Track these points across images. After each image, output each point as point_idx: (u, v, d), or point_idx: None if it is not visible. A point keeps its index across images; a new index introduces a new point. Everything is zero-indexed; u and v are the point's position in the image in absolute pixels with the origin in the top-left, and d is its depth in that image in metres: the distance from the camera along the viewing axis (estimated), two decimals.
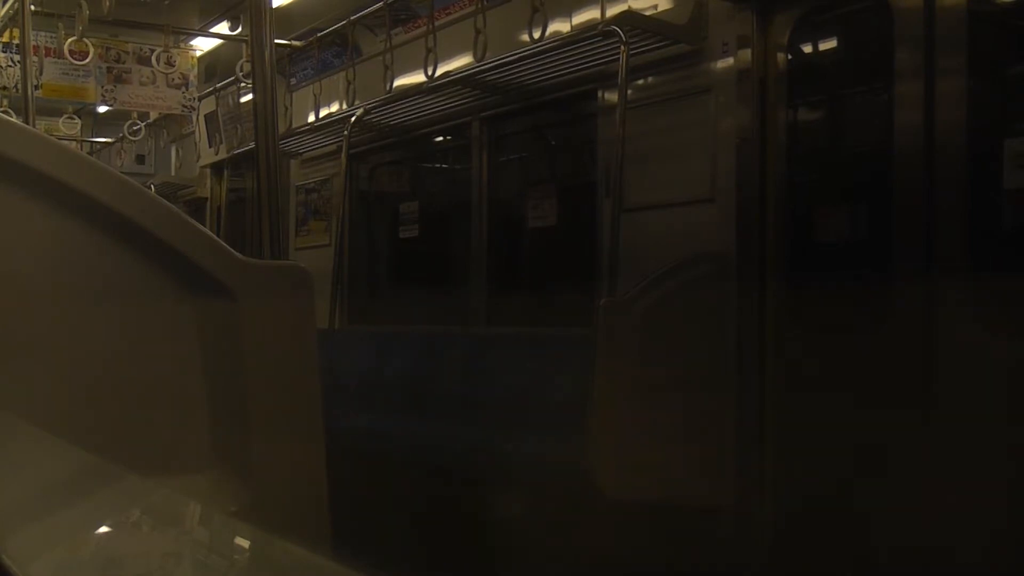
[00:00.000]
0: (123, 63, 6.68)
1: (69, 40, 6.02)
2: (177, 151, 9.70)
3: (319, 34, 6.12)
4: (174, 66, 6.77)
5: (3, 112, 6.36)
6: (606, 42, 4.09)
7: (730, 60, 3.93)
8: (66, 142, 5.89)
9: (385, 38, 5.38)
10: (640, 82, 4.29)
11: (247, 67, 6.17)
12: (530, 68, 4.60)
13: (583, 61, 4.37)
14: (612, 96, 4.32)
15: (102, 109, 8.63)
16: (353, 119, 5.68)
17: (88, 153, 8.48)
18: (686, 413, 3.67)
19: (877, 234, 3.62)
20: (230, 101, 7.33)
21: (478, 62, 4.71)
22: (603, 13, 4.28)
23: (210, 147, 7.88)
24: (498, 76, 4.79)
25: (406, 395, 5.11)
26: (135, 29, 6.60)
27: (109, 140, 9.22)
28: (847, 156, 3.94)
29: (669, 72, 4.18)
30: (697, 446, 3.71)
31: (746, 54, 3.87)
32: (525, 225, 5.09)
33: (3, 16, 5.93)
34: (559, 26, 4.63)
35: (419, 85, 5.18)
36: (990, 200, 3.33)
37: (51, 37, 6.28)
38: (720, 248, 3.89)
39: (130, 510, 1.40)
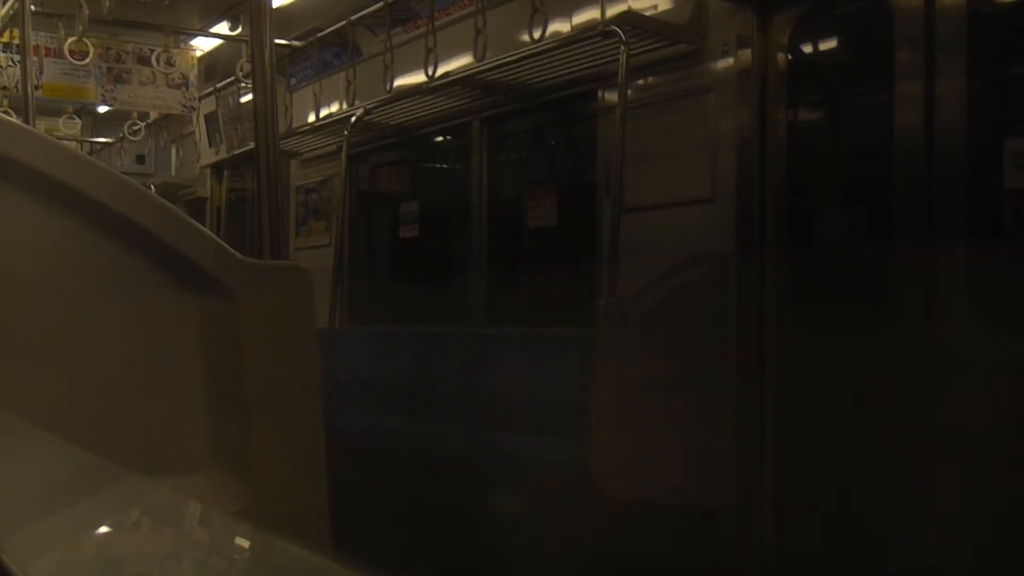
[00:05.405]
0: (123, 63, 6.67)
1: (69, 40, 6.02)
2: (177, 151, 9.70)
3: (319, 34, 6.12)
4: (174, 66, 6.77)
5: (3, 112, 6.37)
6: (606, 42, 4.09)
7: (730, 60, 3.93)
8: (66, 142, 5.90)
9: (385, 38, 5.38)
10: (640, 82, 4.29)
11: (247, 67, 6.16)
12: (530, 68, 4.60)
13: (583, 61, 4.37)
14: (612, 96, 4.32)
15: (102, 109, 8.63)
16: (353, 119, 5.68)
17: (88, 153, 8.48)
18: (686, 413, 3.67)
19: (877, 234, 3.63)
20: (230, 101, 7.33)
21: (478, 62, 4.71)
22: (603, 13, 4.27)
23: (210, 147, 7.87)
24: (498, 76, 4.78)
25: (406, 395, 5.12)
26: (135, 29, 6.60)
27: (109, 140, 9.22)
28: (847, 156, 3.94)
29: (669, 72, 4.18)
30: (697, 446, 3.71)
31: (746, 54, 3.87)
32: (525, 225, 5.09)
33: (3, 16, 5.93)
34: (559, 26, 4.63)
35: (419, 85, 5.18)
36: (990, 200, 3.33)
37: (51, 37, 6.28)
38: (720, 248, 3.89)
39: (130, 510, 1.40)
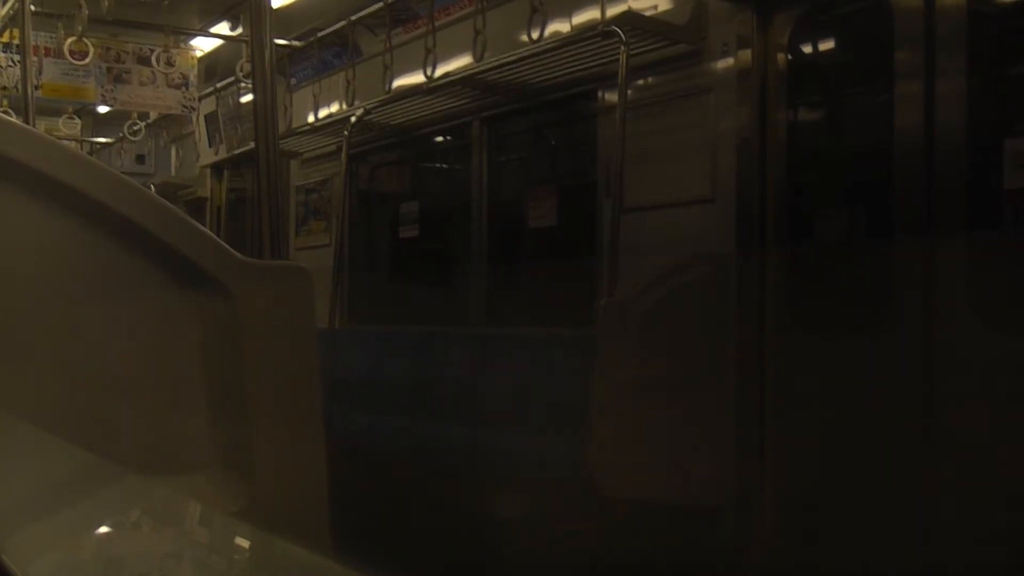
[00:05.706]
0: (123, 63, 6.67)
1: (69, 40, 6.02)
2: (177, 151, 9.69)
3: (319, 34, 6.12)
4: (174, 66, 6.77)
5: (3, 112, 6.37)
6: (606, 42, 4.09)
7: (730, 60, 3.93)
8: (66, 142, 5.90)
9: (385, 38, 5.38)
10: (640, 82, 4.29)
11: (247, 67, 6.16)
12: (530, 68, 4.60)
13: (583, 61, 4.37)
14: (612, 96, 4.32)
15: (102, 109, 8.63)
16: (353, 119, 5.68)
17: (88, 153, 8.48)
18: (686, 413, 3.67)
19: (877, 234, 3.63)
20: (230, 101, 7.33)
21: (478, 62, 4.71)
22: (603, 13, 4.27)
23: (210, 147, 7.87)
24: (498, 76, 4.78)
25: (405, 395, 5.12)
26: (135, 29, 6.60)
27: (109, 140, 9.22)
28: (847, 156, 3.95)
29: (669, 72, 4.18)
30: (697, 446, 3.71)
31: (746, 54, 3.87)
32: (525, 225, 5.09)
33: (3, 16, 5.93)
34: (559, 26, 4.63)
35: (419, 85, 5.18)
36: (990, 200, 3.33)
37: (51, 37, 6.27)
38: (720, 248, 3.89)
39: (130, 510, 1.40)
